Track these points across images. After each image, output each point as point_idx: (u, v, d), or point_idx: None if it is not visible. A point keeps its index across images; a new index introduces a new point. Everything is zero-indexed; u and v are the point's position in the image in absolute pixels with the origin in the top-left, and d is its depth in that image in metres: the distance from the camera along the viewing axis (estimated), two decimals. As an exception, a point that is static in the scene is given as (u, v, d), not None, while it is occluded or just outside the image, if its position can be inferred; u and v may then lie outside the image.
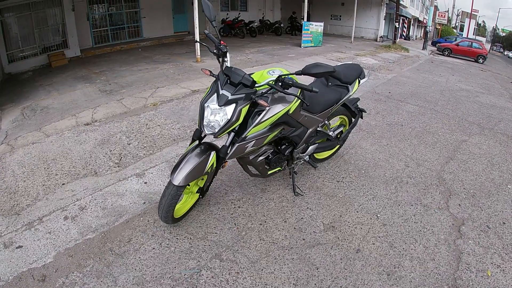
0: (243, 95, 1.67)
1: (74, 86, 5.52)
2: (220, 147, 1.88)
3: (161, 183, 2.57)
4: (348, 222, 2.21)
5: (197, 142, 1.89)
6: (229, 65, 1.85)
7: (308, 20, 11.88)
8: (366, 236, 2.08)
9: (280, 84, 1.73)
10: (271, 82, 1.75)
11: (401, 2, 16.95)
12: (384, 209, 2.39)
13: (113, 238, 1.97)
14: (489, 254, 2.03)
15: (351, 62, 2.95)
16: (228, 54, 1.91)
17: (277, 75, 1.79)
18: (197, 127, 1.89)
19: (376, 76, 7.51)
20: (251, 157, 2.00)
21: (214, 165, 1.83)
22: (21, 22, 7.61)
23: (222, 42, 1.90)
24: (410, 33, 25.98)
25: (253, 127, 1.77)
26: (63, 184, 2.55)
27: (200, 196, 2.10)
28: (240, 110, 1.67)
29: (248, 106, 1.71)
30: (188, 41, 11.37)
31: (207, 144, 1.86)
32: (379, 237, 2.09)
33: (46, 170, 2.76)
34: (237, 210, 2.27)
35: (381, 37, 17.90)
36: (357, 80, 2.58)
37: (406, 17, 22.14)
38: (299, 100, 1.93)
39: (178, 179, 1.70)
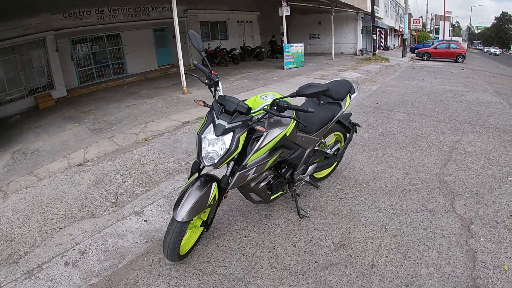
0: (239, 123, 1.74)
1: (63, 127, 5.66)
2: (220, 177, 1.93)
3: (161, 220, 2.57)
4: (358, 238, 2.24)
5: (196, 174, 1.94)
6: (221, 94, 1.93)
7: (288, 42, 12.45)
8: (379, 250, 2.11)
9: (275, 108, 1.81)
10: (266, 107, 1.84)
11: (376, 14, 18.05)
12: (391, 220, 2.44)
13: (118, 281, 1.95)
14: (502, 249, 2.09)
15: (339, 79, 3.12)
16: (220, 83, 1.99)
17: (271, 99, 1.88)
18: (195, 160, 1.95)
19: (362, 88, 7.82)
20: (252, 185, 2.05)
21: (217, 197, 1.88)
22: (6, 65, 7.91)
23: (212, 71, 1.99)
24: (388, 43, 27.39)
25: (252, 154, 1.83)
26: (60, 228, 2.55)
27: (205, 230, 2.12)
28: (239, 138, 1.73)
29: (245, 133, 1.77)
30: (172, 74, 11.76)
31: (207, 176, 1.91)
32: (391, 249, 2.12)
33: (42, 215, 2.75)
34: (244, 239, 2.28)
35: (360, 50, 18.83)
36: (348, 96, 2.72)
37: (382, 28, 23.45)
38: (295, 122, 2.03)
39: (181, 215, 1.73)
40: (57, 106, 7.86)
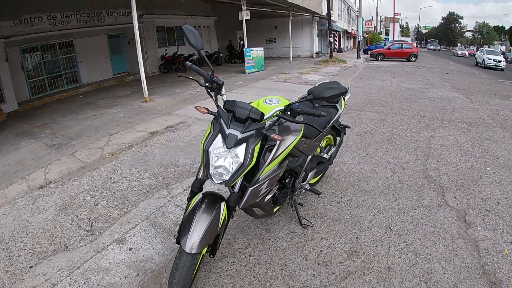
0: (253, 131, 1.60)
1: (17, 144, 5.22)
2: (222, 194, 1.83)
3: (149, 247, 2.37)
4: (367, 242, 2.29)
5: (200, 195, 1.82)
6: (226, 99, 1.78)
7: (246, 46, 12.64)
8: (390, 252, 2.18)
9: (288, 113, 1.73)
10: (278, 112, 1.75)
11: (331, 18, 19.07)
12: (393, 220, 2.54)
13: (117, 333, 1.75)
14: (499, 235, 2.30)
15: (330, 81, 3.20)
16: (223, 87, 1.83)
17: (276, 103, 1.80)
18: (198, 178, 1.84)
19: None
20: (258, 199, 1.98)
21: (226, 219, 1.77)
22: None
23: (214, 74, 1.82)
24: (342, 45, 29.14)
25: (266, 166, 1.75)
26: (31, 267, 2.22)
27: (211, 256, 1.99)
28: (253, 150, 1.62)
29: (259, 143, 1.67)
30: (129, 82, 11.56)
31: (212, 195, 1.79)
32: (401, 248, 2.20)
33: (6, 252, 2.38)
34: (250, 259, 2.20)
35: (316, 53, 19.82)
36: (342, 98, 2.80)
37: (336, 31, 24.89)
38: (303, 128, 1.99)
39: (192, 245, 1.56)
40: (8, 121, 7.34)
